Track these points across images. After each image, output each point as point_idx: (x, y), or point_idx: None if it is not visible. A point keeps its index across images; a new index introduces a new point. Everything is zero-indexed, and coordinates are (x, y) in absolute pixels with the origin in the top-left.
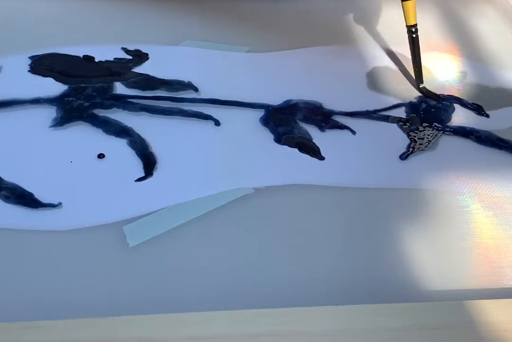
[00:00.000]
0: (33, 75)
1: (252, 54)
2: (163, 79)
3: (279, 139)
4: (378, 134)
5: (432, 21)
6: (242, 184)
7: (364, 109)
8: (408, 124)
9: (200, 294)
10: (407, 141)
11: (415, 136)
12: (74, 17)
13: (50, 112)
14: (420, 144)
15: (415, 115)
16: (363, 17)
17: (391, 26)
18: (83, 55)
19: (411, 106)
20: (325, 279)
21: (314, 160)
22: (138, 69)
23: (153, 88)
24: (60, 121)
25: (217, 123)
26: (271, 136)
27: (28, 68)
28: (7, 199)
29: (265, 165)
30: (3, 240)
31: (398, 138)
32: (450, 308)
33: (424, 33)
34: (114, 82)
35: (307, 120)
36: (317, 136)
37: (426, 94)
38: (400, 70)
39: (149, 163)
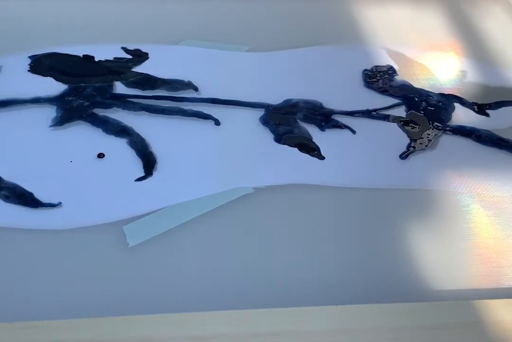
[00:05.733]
0: (33, 74)
1: (252, 53)
2: (163, 79)
3: (279, 139)
4: (378, 133)
5: (433, 20)
6: (242, 184)
7: (364, 108)
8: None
9: (200, 294)
10: (407, 140)
11: None
12: (74, 17)
13: (50, 112)
14: (420, 143)
15: (414, 111)
16: (363, 17)
17: (391, 26)
18: (83, 55)
19: (411, 105)
20: (325, 279)
21: (314, 160)
22: (138, 69)
23: (153, 87)
24: (60, 121)
25: (217, 122)
26: (271, 136)
27: (28, 68)
28: (7, 199)
29: (265, 165)
30: (3, 239)
31: (398, 138)
32: (450, 308)
33: (425, 32)
34: (114, 81)
35: (307, 119)
36: (317, 135)
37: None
38: (400, 69)
39: (149, 163)
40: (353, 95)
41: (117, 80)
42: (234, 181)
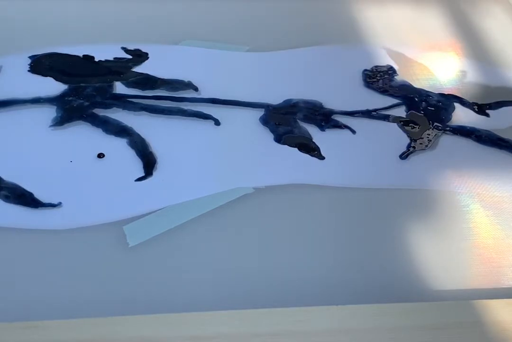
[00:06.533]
0: (33, 74)
1: (252, 53)
2: (163, 79)
3: (279, 139)
4: (378, 133)
5: (433, 20)
6: (242, 184)
7: (364, 108)
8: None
9: (200, 294)
10: (407, 141)
11: None
12: (73, 17)
13: (50, 112)
14: (420, 143)
15: (414, 111)
16: (363, 17)
17: (391, 26)
18: (83, 55)
19: (411, 106)
20: (325, 279)
21: (314, 160)
22: (138, 69)
23: (153, 87)
24: (60, 121)
25: (217, 122)
26: (271, 136)
27: (28, 68)
28: (7, 199)
29: (265, 165)
30: (3, 239)
31: (398, 138)
32: (450, 308)
33: (425, 32)
34: (114, 81)
35: (307, 119)
36: (317, 135)
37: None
38: (400, 69)
39: (149, 163)
40: (353, 95)
41: (117, 80)
42: (234, 181)
